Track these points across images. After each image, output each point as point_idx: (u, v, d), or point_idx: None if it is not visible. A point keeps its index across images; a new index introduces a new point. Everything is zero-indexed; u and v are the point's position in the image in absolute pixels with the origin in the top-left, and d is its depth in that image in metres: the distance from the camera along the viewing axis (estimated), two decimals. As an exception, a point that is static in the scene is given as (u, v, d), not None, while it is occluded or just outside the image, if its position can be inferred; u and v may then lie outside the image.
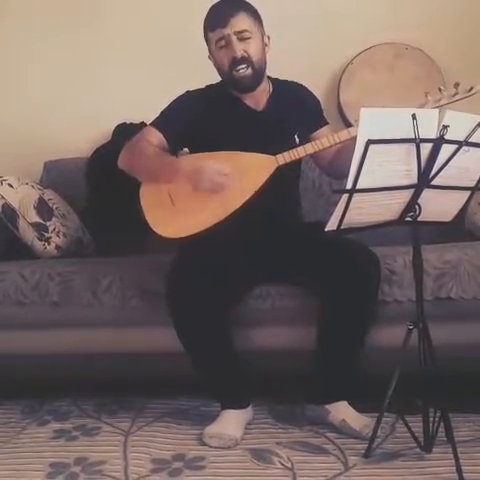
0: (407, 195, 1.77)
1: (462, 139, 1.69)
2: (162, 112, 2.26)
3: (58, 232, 2.67)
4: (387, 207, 1.79)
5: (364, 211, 1.76)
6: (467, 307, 2.11)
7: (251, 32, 2.16)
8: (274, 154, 2.12)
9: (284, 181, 2.19)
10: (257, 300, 2.18)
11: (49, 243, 2.62)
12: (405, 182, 1.73)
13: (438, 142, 1.67)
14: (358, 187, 1.69)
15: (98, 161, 3.01)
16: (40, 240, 2.61)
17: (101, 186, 2.92)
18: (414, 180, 1.73)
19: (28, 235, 2.61)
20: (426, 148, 1.68)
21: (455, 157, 1.70)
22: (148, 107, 2.33)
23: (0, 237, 2.67)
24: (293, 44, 2.92)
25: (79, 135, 3.13)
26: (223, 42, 2.17)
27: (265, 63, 2.23)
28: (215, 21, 2.18)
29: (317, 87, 2.48)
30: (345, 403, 2.10)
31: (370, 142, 1.64)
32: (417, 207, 1.78)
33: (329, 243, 2.03)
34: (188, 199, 2.10)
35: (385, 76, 3.00)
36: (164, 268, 2.08)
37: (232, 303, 2.12)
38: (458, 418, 2.05)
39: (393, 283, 2.11)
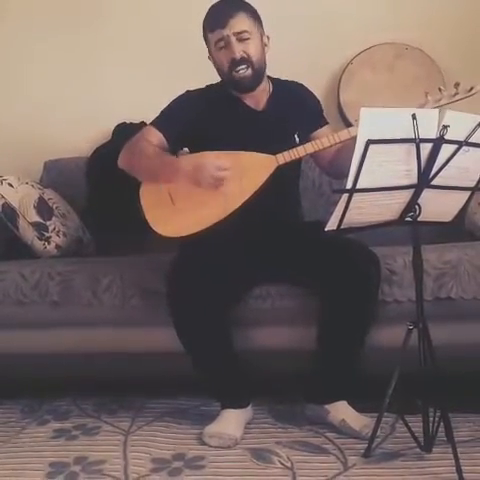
0: (407, 195, 1.77)
1: (462, 139, 1.69)
2: (162, 112, 2.26)
3: (58, 232, 2.67)
4: (387, 207, 1.79)
5: (364, 211, 1.76)
6: (467, 307, 2.11)
7: (250, 33, 2.16)
8: (274, 154, 2.12)
9: (284, 181, 2.19)
10: (257, 300, 2.18)
11: (49, 242, 2.62)
12: (405, 182, 1.73)
13: (438, 142, 1.67)
14: (358, 187, 1.70)
15: (98, 161, 3.01)
16: (40, 239, 2.61)
17: (101, 186, 2.93)
18: (414, 180, 1.73)
19: (28, 234, 2.61)
20: (426, 148, 1.68)
21: (455, 157, 1.70)
22: (148, 107, 2.33)
23: (0, 237, 2.67)
24: (293, 44, 2.92)
25: (79, 135, 3.13)
26: (222, 43, 2.16)
27: (265, 63, 2.23)
28: (214, 22, 2.17)
29: (317, 87, 2.48)
30: (345, 403, 2.10)
31: (370, 142, 1.64)
32: (417, 207, 1.78)
33: (329, 243, 2.03)
34: (188, 198, 2.10)
35: (385, 76, 3.00)
36: (164, 267, 2.08)
37: (232, 303, 2.12)
38: (458, 418, 2.05)
39: (393, 283, 2.11)
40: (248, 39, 2.16)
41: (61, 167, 3.07)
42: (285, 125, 2.23)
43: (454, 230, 2.01)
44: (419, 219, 1.80)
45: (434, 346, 1.83)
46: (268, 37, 2.24)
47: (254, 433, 2.11)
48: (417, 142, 1.67)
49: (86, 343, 2.30)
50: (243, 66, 2.16)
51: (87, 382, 2.46)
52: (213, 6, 2.21)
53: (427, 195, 1.76)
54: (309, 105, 2.33)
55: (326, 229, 1.77)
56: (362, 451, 1.90)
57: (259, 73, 2.21)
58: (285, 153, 2.12)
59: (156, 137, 2.21)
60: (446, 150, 1.69)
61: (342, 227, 1.77)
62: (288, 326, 2.19)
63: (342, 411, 2.08)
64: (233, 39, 2.15)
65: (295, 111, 2.26)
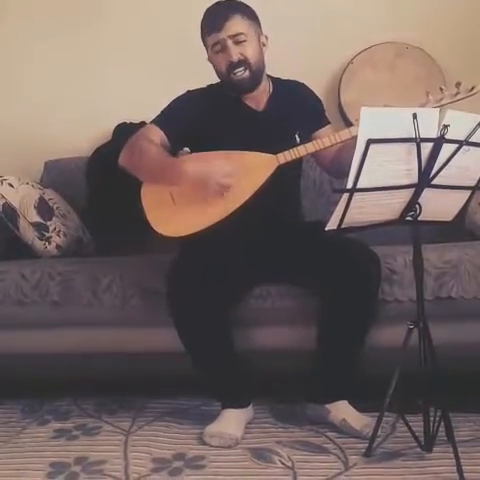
0: (407, 194, 1.77)
1: (463, 138, 1.69)
2: (162, 111, 2.26)
3: (58, 232, 2.67)
4: (388, 206, 1.79)
5: (365, 210, 1.76)
6: (467, 307, 2.11)
7: (247, 34, 2.15)
8: (275, 154, 2.12)
9: (285, 180, 2.19)
10: (257, 300, 2.18)
11: (49, 242, 2.62)
12: (405, 181, 1.73)
13: (439, 141, 1.67)
14: (359, 186, 1.70)
15: (98, 161, 3.01)
16: (40, 239, 2.61)
17: (101, 186, 2.92)
18: (414, 179, 1.73)
19: (28, 235, 2.61)
20: (427, 147, 1.69)
21: (455, 156, 1.70)
22: (148, 107, 2.33)
23: (0, 237, 2.67)
24: (293, 44, 2.92)
25: (79, 135, 3.13)
26: (219, 47, 2.16)
27: (263, 63, 2.23)
28: (210, 25, 2.17)
29: (317, 87, 2.48)
30: (345, 402, 2.10)
31: (371, 141, 1.64)
32: (417, 206, 1.79)
33: (329, 242, 2.03)
34: (189, 198, 2.10)
35: (386, 75, 3.00)
36: (164, 267, 2.08)
37: (232, 303, 2.12)
38: (459, 418, 2.05)
39: (393, 282, 2.11)
40: (244, 41, 2.15)
41: (61, 167, 3.07)
42: (285, 125, 2.22)
43: (454, 229, 2.02)
44: (419, 218, 1.80)
45: (435, 346, 1.83)
46: (266, 37, 2.24)
47: (255, 433, 2.11)
48: (418, 141, 1.67)
49: (86, 343, 2.30)
50: (241, 68, 2.16)
51: (87, 382, 2.45)
52: (208, 9, 2.20)
53: (427, 194, 1.76)
54: (310, 104, 2.33)
55: (327, 228, 1.77)
56: (363, 451, 1.90)
57: (257, 74, 2.21)
58: (286, 152, 2.12)
59: (158, 135, 2.20)
60: (447, 149, 1.69)
61: (343, 227, 1.77)
62: (288, 326, 2.19)
63: (343, 411, 2.08)
64: (229, 42, 2.14)
65: (296, 111, 2.26)
